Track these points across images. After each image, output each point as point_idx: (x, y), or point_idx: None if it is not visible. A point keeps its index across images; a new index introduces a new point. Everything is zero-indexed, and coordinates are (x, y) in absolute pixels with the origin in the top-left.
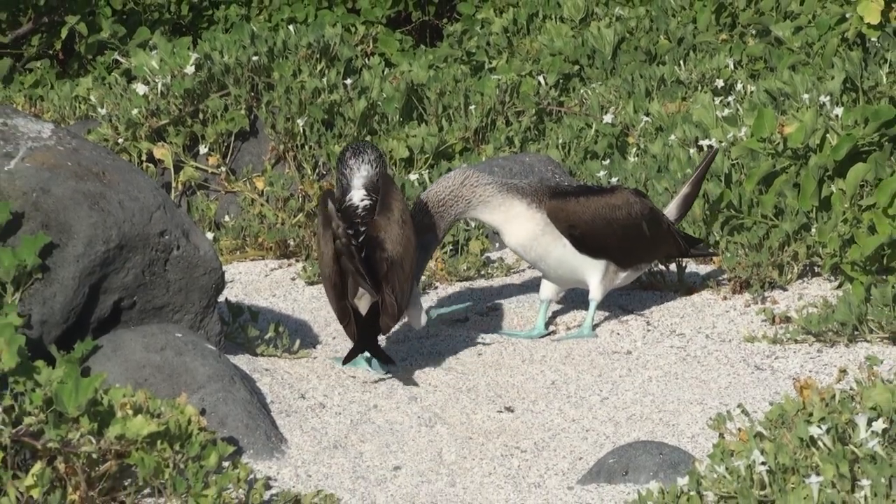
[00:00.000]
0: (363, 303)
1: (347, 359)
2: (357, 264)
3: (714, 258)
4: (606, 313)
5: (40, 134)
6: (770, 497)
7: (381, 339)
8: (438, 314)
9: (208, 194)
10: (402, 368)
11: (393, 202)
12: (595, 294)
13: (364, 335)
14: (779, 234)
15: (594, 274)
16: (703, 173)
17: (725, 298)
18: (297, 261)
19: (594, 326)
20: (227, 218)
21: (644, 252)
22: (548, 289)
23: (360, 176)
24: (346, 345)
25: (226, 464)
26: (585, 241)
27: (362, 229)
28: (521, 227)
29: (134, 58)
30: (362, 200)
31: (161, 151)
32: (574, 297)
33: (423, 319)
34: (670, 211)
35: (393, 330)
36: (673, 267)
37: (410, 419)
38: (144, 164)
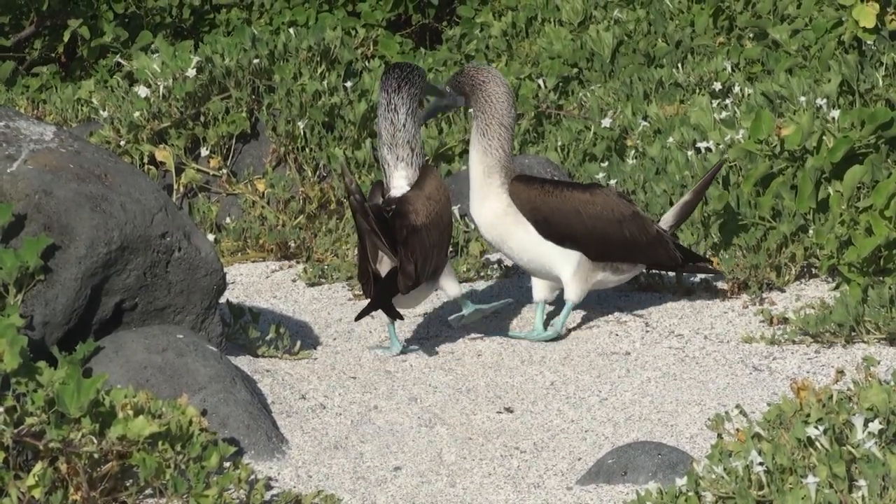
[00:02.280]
0: (384, 267)
1: (360, 316)
2: (371, 222)
3: (713, 270)
4: (606, 314)
5: (42, 136)
6: (768, 497)
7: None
8: (477, 309)
9: (209, 196)
10: (401, 369)
11: (427, 182)
12: (569, 293)
13: (380, 294)
14: (776, 236)
15: (565, 267)
16: (706, 184)
17: (723, 300)
18: (298, 262)
19: (567, 329)
20: (228, 220)
21: (621, 251)
22: (539, 289)
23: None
24: (347, 345)
25: (227, 464)
26: (550, 227)
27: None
28: (488, 202)
29: (136, 61)
30: (402, 190)
31: (163, 154)
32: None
33: (457, 289)
34: (667, 218)
35: (420, 304)
36: None
37: (410, 420)
38: (146, 167)
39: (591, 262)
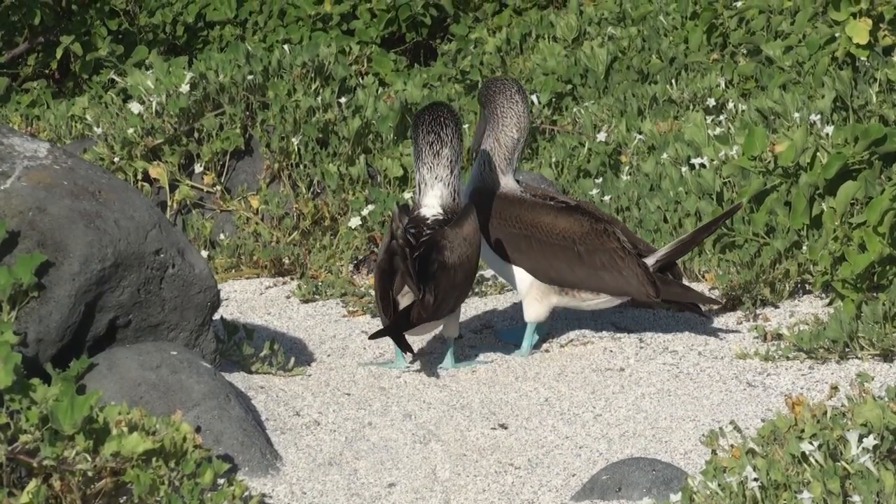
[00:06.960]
0: (405, 300)
1: (375, 335)
2: (408, 265)
3: (697, 311)
4: (600, 330)
5: (36, 153)
6: None
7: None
8: (455, 363)
9: (203, 213)
10: (395, 386)
11: (466, 223)
12: (524, 313)
13: (396, 322)
14: (770, 252)
15: (519, 285)
16: (713, 226)
17: (717, 316)
18: (292, 279)
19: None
20: (222, 236)
21: (573, 279)
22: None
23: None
24: (341, 361)
25: (221, 481)
26: (498, 247)
27: (427, 232)
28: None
29: (130, 77)
30: (434, 216)
31: (156, 170)
32: (567, 315)
33: (457, 331)
34: (659, 253)
35: (423, 335)
36: None
37: (405, 436)
38: (140, 183)
39: (545, 285)
